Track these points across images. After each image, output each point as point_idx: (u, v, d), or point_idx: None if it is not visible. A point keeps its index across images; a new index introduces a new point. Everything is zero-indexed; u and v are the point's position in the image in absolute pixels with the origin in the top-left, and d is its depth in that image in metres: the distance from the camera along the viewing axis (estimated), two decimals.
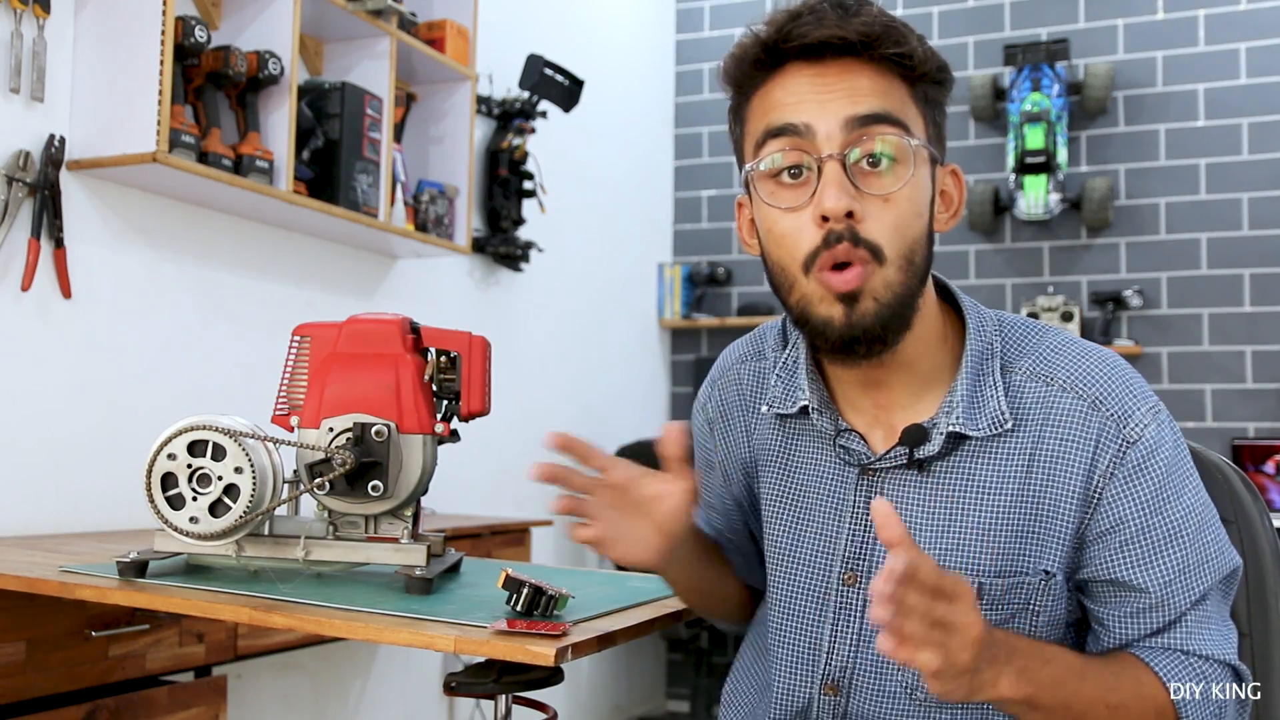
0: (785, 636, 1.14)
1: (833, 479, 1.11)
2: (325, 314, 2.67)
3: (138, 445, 1.46)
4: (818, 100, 0.99)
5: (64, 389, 2.13)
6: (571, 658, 1.05)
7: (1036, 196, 3.98)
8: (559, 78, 3.39)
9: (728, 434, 1.23)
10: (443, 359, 1.39)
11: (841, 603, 1.10)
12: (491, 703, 1.33)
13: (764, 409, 1.16)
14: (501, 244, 3.37)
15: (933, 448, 1.05)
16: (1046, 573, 1.04)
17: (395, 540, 1.34)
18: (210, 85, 2.28)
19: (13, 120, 2.05)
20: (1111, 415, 1.03)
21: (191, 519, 1.32)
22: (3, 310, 2.02)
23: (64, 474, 2.12)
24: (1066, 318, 3.95)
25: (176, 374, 2.35)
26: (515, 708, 1.30)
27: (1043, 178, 3.98)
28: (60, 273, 2.10)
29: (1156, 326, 3.97)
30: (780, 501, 1.16)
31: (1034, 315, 3.97)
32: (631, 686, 4.26)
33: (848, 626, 1.09)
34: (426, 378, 1.37)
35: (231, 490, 1.31)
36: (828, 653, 1.10)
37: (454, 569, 1.46)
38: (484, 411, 1.39)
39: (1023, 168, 3.99)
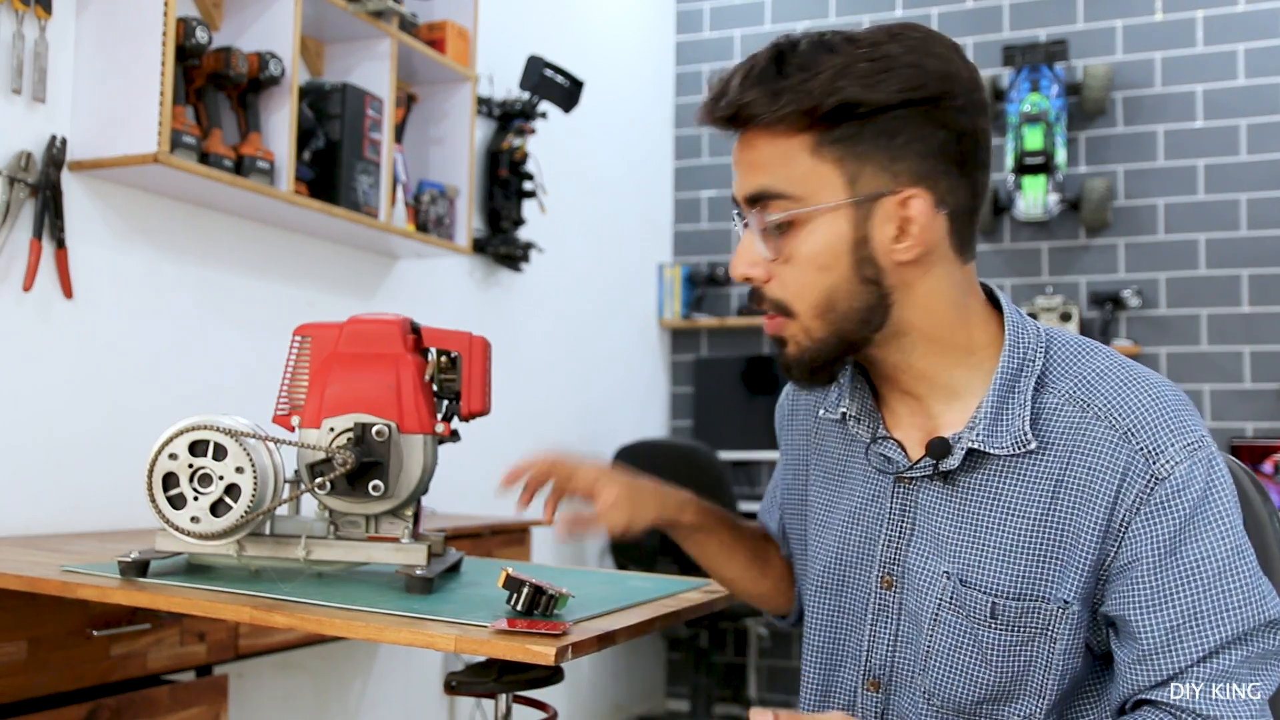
0: (831, 633, 1.18)
1: (873, 485, 1.15)
2: (326, 314, 2.68)
3: (139, 445, 1.46)
4: (737, 172, 1.07)
5: (65, 389, 2.13)
6: (571, 657, 1.05)
7: (1035, 197, 3.99)
8: (559, 79, 3.40)
9: (793, 431, 1.30)
10: (443, 359, 1.39)
11: (880, 605, 1.13)
12: (492, 702, 1.34)
13: (821, 412, 1.20)
14: (502, 244, 3.38)
15: (953, 462, 1.06)
16: (1065, 601, 1.02)
17: (396, 540, 1.35)
18: (211, 86, 2.29)
19: (14, 121, 2.05)
20: (1142, 449, 1.00)
21: (193, 518, 1.32)
22: (4, 310, 2.02)
23: (65, 474, 2.13)
24: (1065, 318, 3.95)
25: (178, 374, 2.36)
26: (515, 707, 1.31)
27: (1041, 178, 3.98)
28: (62, 273, 2.11)
29: (1155, 327, 3.98)
30: (827, 503, 1.20)
31: (1033, 316, 3.98)
32: (631, 686, 4.26)
33: (885, 628, 1.13)
34: (427, 378, 1.38)
35: (233, 490, 1.32)
36: (868, 650, 1.14)
37: (454, 568, 1.46)
38: (484, 411, 1.40)
39: (1021, 168, 4.00)
